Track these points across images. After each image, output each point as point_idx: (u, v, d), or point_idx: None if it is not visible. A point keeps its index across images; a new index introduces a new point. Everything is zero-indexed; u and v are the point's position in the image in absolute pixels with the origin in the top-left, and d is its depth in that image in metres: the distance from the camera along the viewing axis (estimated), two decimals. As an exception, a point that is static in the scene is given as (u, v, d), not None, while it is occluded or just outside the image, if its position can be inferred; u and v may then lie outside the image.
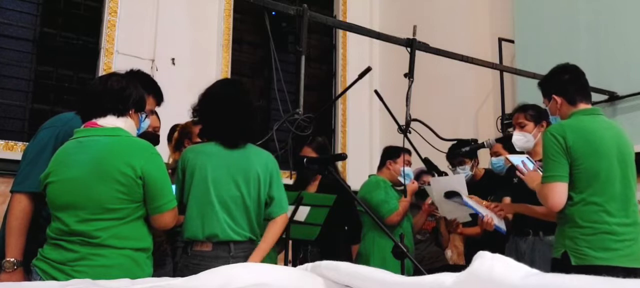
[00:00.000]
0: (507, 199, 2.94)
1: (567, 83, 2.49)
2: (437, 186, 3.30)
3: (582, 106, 2.45)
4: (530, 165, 2.56)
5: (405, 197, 3.50)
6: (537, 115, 2.89)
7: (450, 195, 3.03)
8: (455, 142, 3.65)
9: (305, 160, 2.63)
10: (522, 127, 2.89)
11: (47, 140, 2.07)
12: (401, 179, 3.52)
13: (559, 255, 2.34)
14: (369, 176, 3.72)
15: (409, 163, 3.60)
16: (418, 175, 3.85)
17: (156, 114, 2.92)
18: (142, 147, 1.98)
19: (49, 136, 2.08)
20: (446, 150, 3.65)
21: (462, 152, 3.50)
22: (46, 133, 2.10)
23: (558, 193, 2.30)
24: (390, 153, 3.63)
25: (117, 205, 1.88)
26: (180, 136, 3.02)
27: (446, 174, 3.55)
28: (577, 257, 2.27)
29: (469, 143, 3.57)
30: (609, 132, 2.38)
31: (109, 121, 1.97)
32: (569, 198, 2.32)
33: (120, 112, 1.99)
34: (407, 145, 3.38)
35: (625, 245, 2.27)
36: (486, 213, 2.88)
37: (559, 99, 2.48)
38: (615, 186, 2.31)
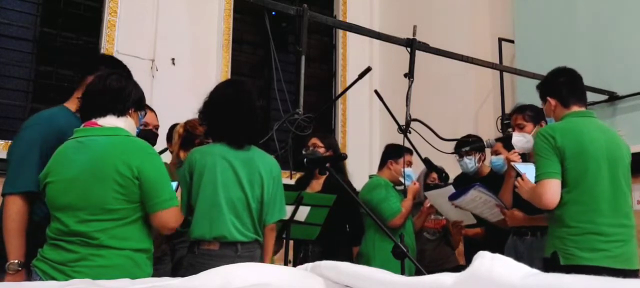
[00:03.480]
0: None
1: (561, 85, 2.52)
2: (435, 199, 3.31)
3: (575, 108, 2.47)
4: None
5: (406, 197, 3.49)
6: (535, 115, 2.91)
7: (466, 190, 2.96)
8: (466, 138, 3.64)
9: (305, 160, 2.64)
10: (521, 128, 2.90)
11: (33, 140, 2.04)
12: (402, 179, 3.48)
13: (549, 255, 2.36)
14: (370, 176, 3.70)
15: (410, 164, 3.58)
16: (426, 175, 3.82)
17: (154, 112, 2.90)
18: (140, 146, 1.98)
19: (34, 135, 2.05)
20: (446, 150, 3.65)
21: (470, 147, 3.48)
22: (31, 132, 2.08)
23: (552, 190, 2.31)
24: (392, 153, 3.55)
25: (116, 206, 1.87)
26: (188, 135, 3.00)
27: (447, 175, 3.55)
28: (565, 257, 2.28)
29: (469, 142, 3.56)
30: (600, 134, 2.39)
31: (109, 121, 1.97)
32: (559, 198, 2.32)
33: (120, 112, 1.99)
34: (407, 145, 3.38)
35: (614, 246, 2.27)
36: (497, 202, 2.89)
37: (552, 101, 2.52)
38: (604, 186, 2.31)
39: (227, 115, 2.31)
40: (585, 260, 2.23)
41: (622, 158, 2.40)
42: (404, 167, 3.43)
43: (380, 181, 3.45)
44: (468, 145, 3.49)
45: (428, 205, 3.54)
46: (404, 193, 3.47)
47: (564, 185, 2.33)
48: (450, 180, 3.68)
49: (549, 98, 2.54)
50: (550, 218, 2.40)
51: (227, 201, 2.21)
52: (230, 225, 2.20)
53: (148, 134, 2.74)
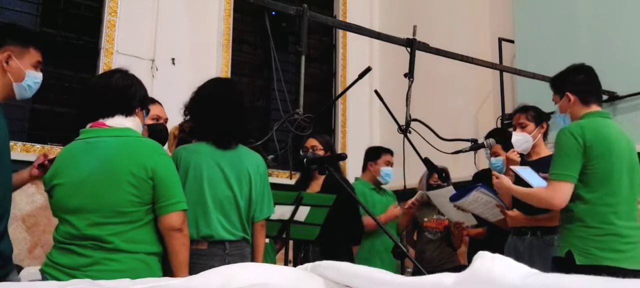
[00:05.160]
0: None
1: (582, 83, 2.50)
2: (436, 199, 3.33)
3: (594, 108, 2.46)
4: (534, 181, 2.55)
5: (387, 197, 3.67)
6: (537, 116, 2.91)
7: (468, 191, 2.95)
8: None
9: (305, 160, 2.64)
10: (523, 128, 2.89)
11: None
12: (380, 179, 3.64)
13: (563, 254, 2.34)
14: (356, 178, 3.74)
15: (390, 164, 3.66)
16: (429, 175, 3.84)
17: (161, 105, 2.88)
18: (152, 147, 1.96)
19: None
20: (446, 150, 3.65)
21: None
22: None
23: (565, 192, 2.30)
24: (371, 155, 3.72)
25: (129, 208, 1.85)
26: (183, 136, 2.99)
27: (447, 175, 3.55)
28: (583, 256, 2.27)
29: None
30: (621, 136, 2.41)
31: (118, 121, 1.94)
32: (580, 198, 2.32)
33: (128, 111, 1.96)
34: (407, 145, 3.38)
35: (631, 247, 2.29)
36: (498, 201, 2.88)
37: (572, 97, 2.49)
38: (624, 188, 2.33)
39: (216, 116, 2.28)
40: (607, 261, 2.24)
41: (636, 160, 2.42)
42: (382, 167, 3.62)
43: (361, 188, 3.52)
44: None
45: (409, 204, 3.60)
46: (385, 194, 3.65)
47: (588, 185, 2.32)
48: (452, 180, 3.69)
49: (568, 93, 2.50)
50: (567, 217, 2.38)
51: (214, 199, 2.19)
52: (217, 224, 2.18)
53: (161, 127, 2.72)
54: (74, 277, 1.77)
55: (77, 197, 1.85)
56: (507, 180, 2.55)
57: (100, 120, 1.93)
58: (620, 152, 2.35)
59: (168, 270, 1.97)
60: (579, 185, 2.33)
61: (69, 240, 1.85)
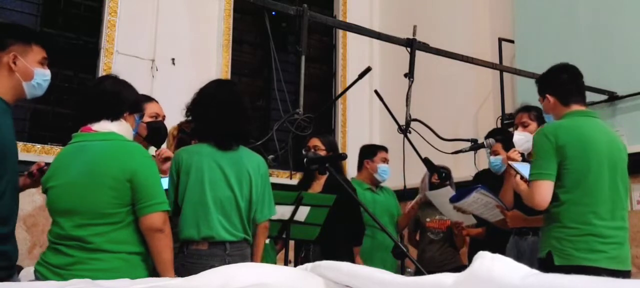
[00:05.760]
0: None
1: (562, 83, 2.49)
2: (436, 199, 3.33)
3: (576, 107, 2.45)
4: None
5: (386, 195, 3.66)
6: (540, 116, 2.90)
7: (468, 192, 2.95)
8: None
9: (305, 160, 2.64)
10: (525, 127, 2.89)
11: None
12: (377, 177, 3.62)
13: (544, 255, 2.34)
14: (351, 179, 3.74)
15: (386, 161, 3.67)
16: (430, 176, 3.84)
17: (158, 103, 2.88)
18: (133, 149, 2.00)
19: None
20: (446, 150, 3.65)
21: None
22: None
23: (544, 191, 2.30)
24: (366, 153, 3.71)
25: (111, 210, 1.90)
26: (182, 135, 2.98)
27: (447, 174, 3.55)
28: (561, 257, 2.26)
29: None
30: (602, 136, 2.38)
31: (103, 126, 1.99)
32: (556, 198, 2.31)
33: (114, 116, 2.00)
34: (407, 145, 3.38)
35: (612, 247, 2.26)
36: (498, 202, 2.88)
37: (551, 99, 2.49)
38: (604, 189, 2.30)
39: (218, 117, 2.30)
40: (584, 261, 2.22)
41: (621, 161, 2.40)
42: (379, 164, 3.60)
43: (357, 189, 3.47)
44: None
45: (410, 206, 3.60)
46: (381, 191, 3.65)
47: (563, 185, 2.31)
48: (454, 179, 3.70)
49: (548, 95, 2.51)
50: (547, 217, 2.39)
51: (215, 200, 2.21)
52: (218, 225, 2.20)
53: (160, 124, 2.73)
54: (61, 275, 1.83)
55: (67, 199, 1.91)
56: (523, 186, 2.52)
57: (88, 125, 1.98)
58: (600, 152, 2.32)
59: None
60: (556, 185, 2.32)
61: (57, 241, 1.92)
